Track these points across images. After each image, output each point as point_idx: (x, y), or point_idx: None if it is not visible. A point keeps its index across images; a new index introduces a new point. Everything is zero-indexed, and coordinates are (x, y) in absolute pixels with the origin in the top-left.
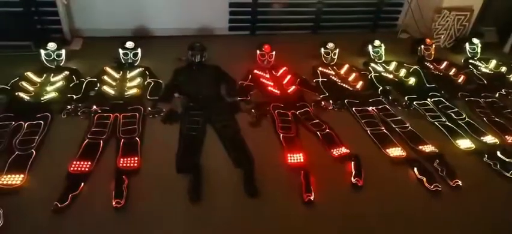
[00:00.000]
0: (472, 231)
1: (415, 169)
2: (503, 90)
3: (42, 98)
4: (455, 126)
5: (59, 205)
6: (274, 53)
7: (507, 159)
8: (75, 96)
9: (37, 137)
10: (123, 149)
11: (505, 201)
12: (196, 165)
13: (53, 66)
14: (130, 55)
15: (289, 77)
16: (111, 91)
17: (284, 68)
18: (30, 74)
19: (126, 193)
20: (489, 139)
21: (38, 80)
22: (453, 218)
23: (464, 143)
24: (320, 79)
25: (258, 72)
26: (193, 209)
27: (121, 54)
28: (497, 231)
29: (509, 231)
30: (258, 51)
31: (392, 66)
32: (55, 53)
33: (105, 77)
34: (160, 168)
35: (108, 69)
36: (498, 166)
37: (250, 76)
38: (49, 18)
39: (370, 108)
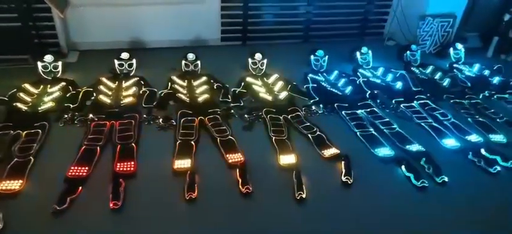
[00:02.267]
0: (457, 225)
1: (403, 167)
2: (486, 92)
3: (39, 108)
4: (441, 126)
5: (58, 208)
6: (265, 61)
7: (490, 156)
8: (72, 106)
9: (35, 145)
10: (120, 154)
11: (488, 196)
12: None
13: (50, 78)
14: (126, 65)
15: (280, 83)
16: (107, 100)
17: (275, 75)
18: (27, 86)
19: (123, 195)
20: (473, 138)
21: (35, 91)
22: (439, 213)
23: (450, 142)
24: (310, 85)
25: (250, 79)
26: (188, 210)
27: (116, 65)
28: (482, 225)
29: (493, 224)
30: (249, 60)
31: (380, 71)
32: (52, 65)
33: (101, 87)
34: (156, 172)
35: (104, 80)
36: (482, 163)
37: (242, 83)
38: (46, 32)
39: (359, 112)
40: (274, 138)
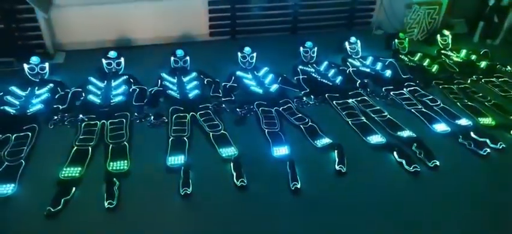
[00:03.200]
0: (449, 206)
1: (395, 153)
2: (474, 76)
3: (28, 111)
4: (431, 112)
5: (52, 210)
6: (255, 54)
7: (480, 139)
8: (61, 107)
9: (25, 148)
10: (112, 153)
11: (479, 177)
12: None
13: (37, 80)
14: (114, 64)
15: (271, 76)
16: (96, 100)
17: (266, 68)
18: (14, 89)
19: (117, 194)
20: (463, 122)
21: (22, 93)
22: (432, 196)
23: (440, 127)
24: (301, 76)
25: (240, 73)
26: (184, 206)
27: (104, 64)
28: (473, 205)
29: (483, 203)
30: (239, 54)
31: (369, 60)
32: (38, 67)
33: (90, 87)
34: (149, 169)
35: (93, 79)
36: (472, 146)
37: (233, 77)
38: (31, 33)
39: (350, 101)
40: (266, 130)
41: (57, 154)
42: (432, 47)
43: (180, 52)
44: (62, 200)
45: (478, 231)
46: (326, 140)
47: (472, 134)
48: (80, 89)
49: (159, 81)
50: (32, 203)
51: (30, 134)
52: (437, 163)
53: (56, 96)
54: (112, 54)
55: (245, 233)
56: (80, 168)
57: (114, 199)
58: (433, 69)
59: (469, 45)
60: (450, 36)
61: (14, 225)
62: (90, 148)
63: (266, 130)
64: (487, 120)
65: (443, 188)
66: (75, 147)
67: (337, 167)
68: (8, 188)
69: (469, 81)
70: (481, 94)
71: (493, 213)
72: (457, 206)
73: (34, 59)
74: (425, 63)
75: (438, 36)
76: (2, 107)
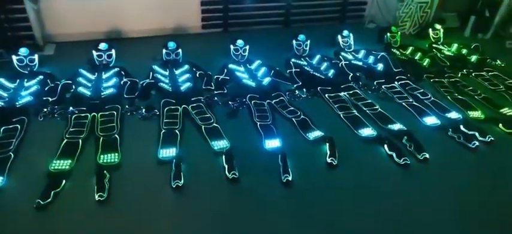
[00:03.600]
0: (438, 199)
1: (385, 146)
2: (464, 70)
3: (17, 103)
4: (421, 105)
5: (42, 202)
6: (247, 47)
7: (469, 132)
8: (51, 99)
9: (14, 140)
10: (103, 146)
11: (467, 169)
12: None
13: (27, 72)
14: (105, 56)
15: (263, 69)
16: (87, 92)
17: (258, 61)
18: (2, 80)
19: (108, 187)
20: (453, 115)
21: (11, 85)
22: (422, 189)
23: (431, 120)
24: (293, 70)
25: (232, 66)
26: (175, 199)
27: (95, 56)
28: (462, 197)
29: (472, 196)
30: (231, 46)
31: (361, 54)
32: (28, 58)
33: (80, 79)
34: (141, 162)
35: (83, 71)
36: (462, 139)
37: (225, 70)
38: (20, 25)
39: (342, 94)
40: (258, 123)
41: (47, 147)
42: (424, 40)
43: (172, 44)
44: (52, 193)
45: (466, 222)
46: (318, 133)
47: (461, 127)
48: (70, 81)
49: (151, 73)
50: (21, 195)
51: (19, 126)
52: (427, 156)
53: (46, 89)
54: (103, 46)
55: (237, 225)
56: (70, 161)
57: (104, 192)
58: (425, 63)
59: (460, 39)
60: (442, 30)
61: (2, 218)
62: (80, 141)
63: (258, 123)
64: (476, 114)
65: (432, 180)
66: (65, 140)
67: (328, 160)
68: None
69: (459, 75)
70: (471, 88)
71: (481, 205)
72: (446, 198)
73: (23, 51)
74: (416, 57)
75: (430, 30)
76: None
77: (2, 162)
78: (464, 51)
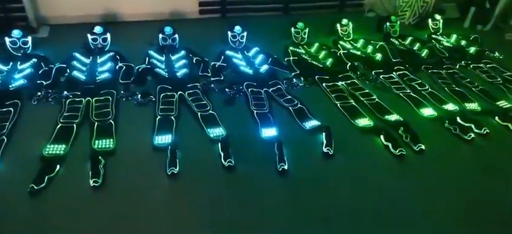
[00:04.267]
0: (433, 190)
1: (382, 136)
2: (463, 62)
3: (10, 86)
4: (419, 96)
5: (35, 187)
6: (245, 33)
7: (465, 124)
8: (45, 83)
9: (8, 124)
10: (98, 131)
11: (462, 161)
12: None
13: (20, 54)
14: (100, 40)
15: (261, 56)
16: (81, 76)
17: (256, 48)
18: None
19: (103, 173)
20: (450, 107)
21: (4, 68)
22: (417, 180)
23: (427, 111)
24: (291, 58)
25: (230, 52)
26: (171, 185)
27: (90, 40)
28: (457, 188)
29: (467, 188)
30: (229, 33)
31: (360, 43)
32: (21, 41)
33: (75, 63)
34: (136, 148)
35: (78, 55)
36: (458, 130)
37: (222, 57)
38: (13, 6)
39: (339, 83)
40: (255, 111)
41: (41, 131)
42: (423, 31)
43: (168, 29)
44: (46, 178)
45: (461, 213)
46: (314, 122)
47: (458, 119)
48: (64, 65)
49: (147, 58)
50: (15, 180)
51: (12, 109)
52: (423, 147)
53: (40, 72)
54: (98, 29)
55: (232, 212)
56: (64, 146)
57: (99, 177)
58: (423, 54)
59: (459, 31)
60: (441, 21)
61: None
62: (74, 125)
63: (255, 111)
64: (473, 106)
65: (427, 171)
66: (60, 124)
67: (324, 149)
68: None
69: (457, 67)
70: (468, 80)
71: (476, 197)
72: (441, 189)
73: (16, 33)
74: (415, 48)
75: (429, 20)
76: None
77: None
78: (463, 42)
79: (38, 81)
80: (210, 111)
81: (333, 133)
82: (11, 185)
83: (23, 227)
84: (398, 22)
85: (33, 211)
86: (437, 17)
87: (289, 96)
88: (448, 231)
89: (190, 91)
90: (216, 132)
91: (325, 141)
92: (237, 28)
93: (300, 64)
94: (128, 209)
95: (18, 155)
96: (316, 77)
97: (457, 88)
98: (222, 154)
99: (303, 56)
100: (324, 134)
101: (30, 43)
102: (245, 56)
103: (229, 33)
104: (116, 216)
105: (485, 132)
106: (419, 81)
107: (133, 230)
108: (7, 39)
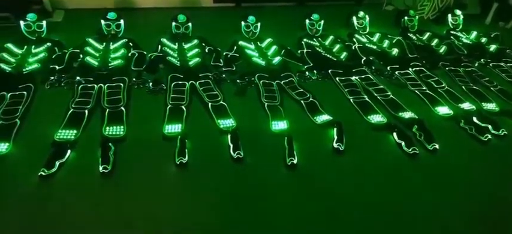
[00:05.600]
0: (446, 192)
1: (395, 134)
2: (482, 60)
3: (24, 69)
4: (435, 94)
5: (46, 171)
6: (259, 24)
7: (482, 124)
8: (58, 67)
9: (20, 107)
10: (109, 118)
11: (477, 163)
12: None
13: (34, 38)
14: (113, 26)
15: (274, 48)
16: (94, 62)
17: (269, 39)
18: (10, 46)
19: (113, 159)
20: (466, 106)
21: (19, 51)
22: (429, 180)
23: (443, 110)
24: (305, 50)
25: (243, 43)
26: (179, 175)
27: (103, 26)
28: (470, 191)
29: (482, 191)
30: (243, 23)
31: (376, 37)
32: (35, 24)
33: (88, 48)
34: (146, 136)
35: (91, 41)
36: (474, 131)
37: (235, 47)
38: None
39: (353, 78)
40: (266, 104)
41: (53, 115)
42: (442, 26)
43: (181, 17)
44: (57, 163)
45: (473, 215)
46: (326, 117)
47: (474, 119)
48: (77, 50)
49: (159, 46)
50: (26, 163)
51: (25, 93)
52: (437, 146)
53: (53, 56)
54: (111, 15)
55: (239, 204)
56: (75, 131)
57: (109, 164)
58: (441, 50)
59: (480, 27)
60: (462, 17)
61: (7, 185)
62: (86, 111)
63: (266, 103)
64: (491, 106)
65: (440, 172)
66: (71, 110)
67: (335, 145)
68: (2, 147)
69: (476, 65)
70: (487, 78)
71: (489, 200)
72: (452, 191)
73: (31, 16)
74: (433, 44)
75: (449, 15)
76: None
77: (8, 128)
78: (483, 39)
79: (51, 66)
80: (221, 102)
81: (345, 129)
82: (22, 169)
83: (32, 211)
84: (417, 17)
85: (44, 195)
86: (458, 12)
87: (301, 90)
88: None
89: (202, 81)
90: (226, 123)
91: (336, 137)
92: (251, 18)
93: (314, 57)
94: (136, 197)
95: (30, 138)
96: (330, 70)
97: (474, 87)
98: (231, 146)
99: (317, 48)
100: (335, 129)
101: (44, 27)
102: (258, 46)
103: (243, 23)
104: (124, 203)
105: (503, 133)
106: (436, 78)
107: (141, 218)
108: (22, 23)
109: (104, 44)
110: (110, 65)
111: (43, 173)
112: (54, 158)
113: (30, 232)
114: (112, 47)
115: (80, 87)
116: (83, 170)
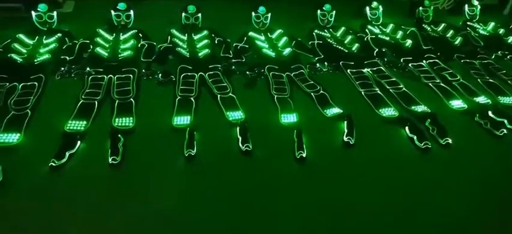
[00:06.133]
0: (458, 188)
1: (407, 128)
2: (499, 52)
3: (35, 60)
4: (449, 87)
5: (56, 162)
6: (269, 15)
7: (498, 119)
8: (68, 58)
9: (32, 98)
10: (118, 109)
11: (493, 158)
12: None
13: (45, 29)
14: (123, 17)
15: (284, 39)
16: (104, 53)
17: (280, 31)
18: (22, 36)
19: (122, 151)
20: (482, 99)
21: (30, 42)
22: (441, 175)
23: (457, 103)
24: (316, 41)
25: (253, 34)
26: (187, 167)
27: (113, 16)
28: (483, 187)
29: (496, 186)
30: (253, 13)
31: (389, 28)
32: (46, 15)
33: (98, 39)
34: (155, 128)
35: (101, 31)
36: (489, 125)
37: (245, 38)
38: None
39: (365, 70)
40: (276, 96)
41: (63, 106)
42: (458, 17)
43: (191, 8)
44: (67, 153)
45: (486, 212)
46: (336, 110)
47: (489, 113)
48: (88, 41)
49: (169, 37)
50: (37, 154)
51: (37, 83)
52: (450, 141)
53: (64, 47)
54: (121, 6)
55: (247, 197)
56: (85, 122)
57: (118, 155)
58: (456, 42)
59: (498, 18)
60: (479, 7)
61: (18, 175)
62: (96, 102)
63: (275, 96)
64: (507, 100)
65: (453, 167)
66: (81, 101)
67: (345, 139)
68: (13, 137)
69: (493, 57)
70: (504, 71)
71: (502, 197)
72: (465, 186)
73: (42, 7)
74: (448, 35)
75: (466, 6)
76: (9, 55)
77: (20, 119)
78: (501, 31)
79: (62, 57)
80: (230, 94)
81: (355, 122)
82: (32, 159)
83: (42, 201)
84: (432, 7)
85: (53, 185)
86: (475, 2)
87: (312, 82)
88: (470, 230)
89: (211, 72)
90: (235, 115)
91: (346, 130)
92: (261, 9)
93: (325, 48)
94: (145, 188)
95: (41, 129)
96: (341, 62)
97: (491, 80)
98: (240, 138)
99: (328, 40)
100: (345, 122)
101: (55, 18)
102: (268, 38)
103: (253, 14)
104: (133, 194)
105: None
106: (451, 71)
107: (149, 209)
108: (33, 13)
109: (114, 34)
110: (119, 56)
111: (53, 164)
112: (65, 148)
113: (40, 222)
114: (122, 37)
115: (89, 78)
116: (93, 161)
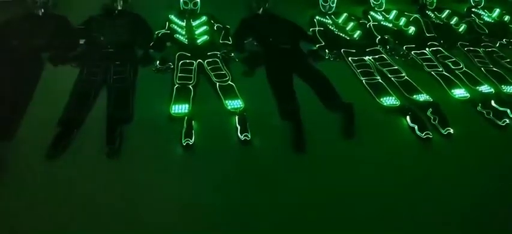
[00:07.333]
0: (459, 178)
1: (408, 117)
2: (504, 40)
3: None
4: (452, 75)
5: (52, 150)
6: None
7: (501, 108)
8: (65, 44)
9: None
10: (115, 97)
11: (495, 148)
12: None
13: (40, 14)
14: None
15: (285, 25)
16: (101, 39)
17: (280, 17)
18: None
19: (119, 140)
20: (485, 88)
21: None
22: (442, 165)
23: (460, 92)
24: (317, 28)
25: (253, 20)
26: (185, 156)
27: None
28: (483, 177)
29: (498, 177)
30: None
31: (392, 14)
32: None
33: (95, 25)
34: (152, 117)
35: (98, 17)
36: (491, 115)
37: (245, 25)
38: None
39: (366, 58)
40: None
41: (60, 94)
42: (462, 4)
43: None
44: (63, 142)
45: (486, 203)
46: (337, 99)
47: (492, 102)
48: (84, 27)
49: (167, 23)
50: (33, 141)
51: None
52: (451, 131)
53: (60, 33)
54: None
55: (245, 186)
56: (81, 110)
57: (115, 144)
58: (460, 29)
59: (504, 5)
60: None
61: (13, 164)
62: (93, 90)
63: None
64: (511, 89)
65: (454, 157)
66: (78, 88)
67: (344, 128)
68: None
69: (497, 45)
70: (508, 60)
71: (503, 188)
72: (466, 176)
73: None
74: (452, 22)
75: None
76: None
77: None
78: (506, 18)
79: (58, 43)
80: (229, 82)
81: (356, 111)
82: (29, 147)
83: (39, 190)
84: None
85: (49, 175)
86: None
87: (312, 70)
88: (471, 221)
89: (210, 60)
90: (234, 104)
91: (346, 120)
92: None
93: (326, 35)
94: (142, 177)
95: (37, 117)
96: (342, 50)
97: (494, 68)
98: (239, 127)
99: (330, 26)
100: (346, 111)
101: (51, 2)
102: (268, 24)
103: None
104: (130, 183)
105: None
106: (454, 59)
107: (146, 199)
108: None
109: (111, 20)
110: (116, 42)
111: (50, 152)
112: (61, 136)
113: (37, 212)
114: (119, 23)
115: (86, 65)
116: (89, 149)
